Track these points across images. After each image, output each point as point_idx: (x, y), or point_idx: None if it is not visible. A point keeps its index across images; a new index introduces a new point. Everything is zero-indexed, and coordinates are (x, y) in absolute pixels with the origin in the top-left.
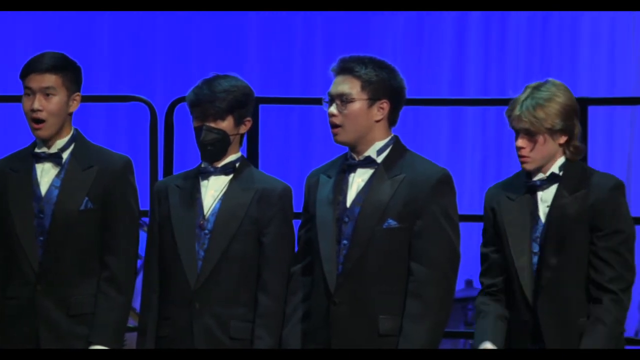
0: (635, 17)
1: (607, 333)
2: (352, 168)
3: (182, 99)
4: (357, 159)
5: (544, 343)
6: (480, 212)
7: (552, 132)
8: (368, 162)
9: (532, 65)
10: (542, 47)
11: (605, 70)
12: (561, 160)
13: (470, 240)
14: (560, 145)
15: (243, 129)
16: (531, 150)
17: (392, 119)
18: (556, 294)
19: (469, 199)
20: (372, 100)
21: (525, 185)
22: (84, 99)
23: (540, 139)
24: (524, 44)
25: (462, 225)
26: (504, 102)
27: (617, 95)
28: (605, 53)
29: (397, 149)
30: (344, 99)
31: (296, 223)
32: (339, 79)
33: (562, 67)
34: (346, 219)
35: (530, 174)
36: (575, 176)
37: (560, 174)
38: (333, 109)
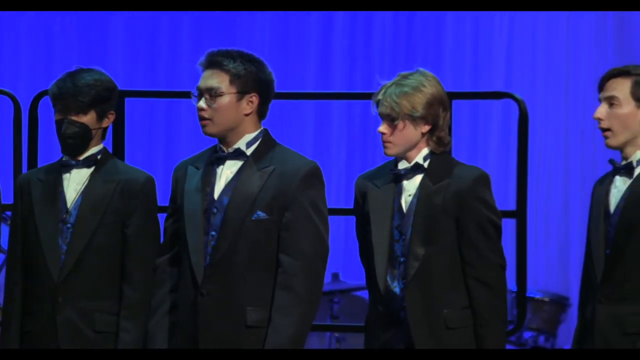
0: (500, 16)
1: (497, 339)
2: (221, 160)
3: (46, 92)
4: (226, 151)
5: (405, 332)
6: (346, 206)
7: (412, 119)
8: (237, 154)
9: (397, 60)
10: (407, 42)
11: (470, 65)
12: (425, 150)
13: (337, 234)
14: (423, 134)
15: (106, 123)
16: (391, 136)
17: (261, 113)
18: (423, 284)
19: (335, 192)
20: (241, 93)
21: (391, 173)
22: None
23: (400, 124)
24: (389, 40)
25: (329, 219)
26: (369, 96)
27: (481, 89)
28: (470, 50)
29: (267, 142)
30: (213, 93)
31: (161, 216)
32: (208, 73)
33: (426, 62)
34: (214, 210)
35: (396, 163)
36: (440, 167)
37: (425, 164)
38: (202, 103)
